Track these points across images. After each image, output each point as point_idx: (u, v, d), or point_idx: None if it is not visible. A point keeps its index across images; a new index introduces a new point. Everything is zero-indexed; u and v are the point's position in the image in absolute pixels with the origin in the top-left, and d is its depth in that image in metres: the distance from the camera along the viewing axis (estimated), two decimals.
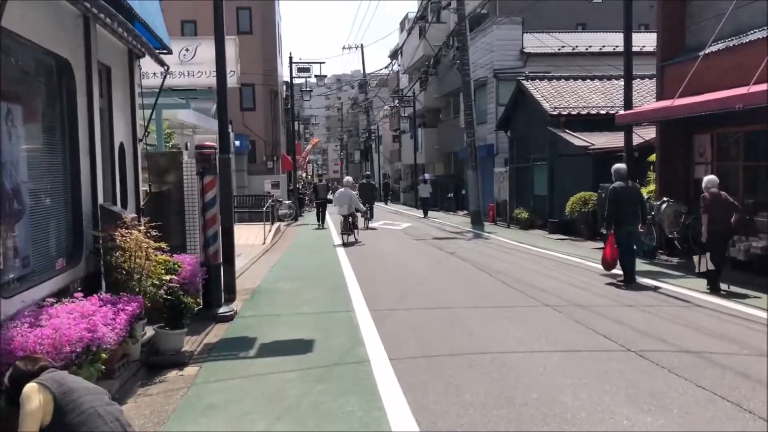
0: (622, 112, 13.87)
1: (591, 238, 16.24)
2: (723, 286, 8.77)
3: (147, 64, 12.09)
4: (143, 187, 8.19)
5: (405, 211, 33.60)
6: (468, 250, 14.53)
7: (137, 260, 5.59)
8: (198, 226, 8.08)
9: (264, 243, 17.12)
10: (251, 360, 6.16)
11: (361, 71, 55.50)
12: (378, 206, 36.67)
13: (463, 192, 31.17)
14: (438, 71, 36.93)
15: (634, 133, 14.29)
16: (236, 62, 14.26)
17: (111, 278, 5.77)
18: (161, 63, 8.70)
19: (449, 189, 33.17)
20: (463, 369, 5.53)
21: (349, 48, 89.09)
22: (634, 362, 5.61)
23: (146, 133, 7.91)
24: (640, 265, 10.60)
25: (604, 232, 10.39)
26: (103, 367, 4.34)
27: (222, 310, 7.89)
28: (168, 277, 5.91)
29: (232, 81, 13.47)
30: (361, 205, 17.96)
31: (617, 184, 9.55)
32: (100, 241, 5.88)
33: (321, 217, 23.37)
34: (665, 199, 12.57)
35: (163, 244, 5.99)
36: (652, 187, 13.76)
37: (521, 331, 6.80)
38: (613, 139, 17.08)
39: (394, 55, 49.18)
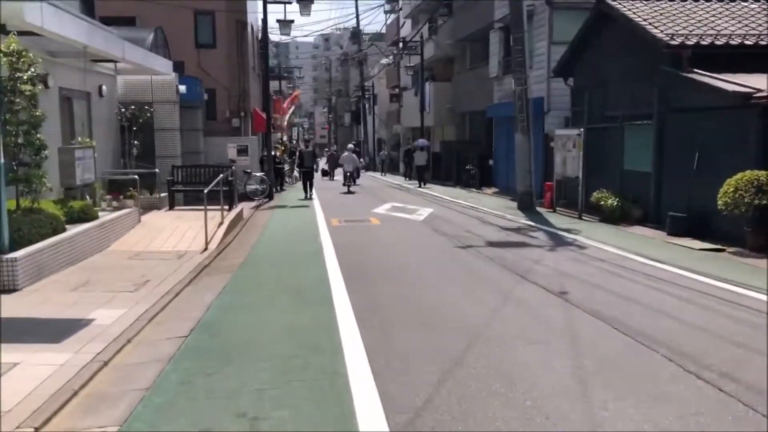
0: None
1: (764, 249, 9.55)
2: None
3: None
4: None
5: (409, 185, 26.64)
6: (579, 282, 7.63)
7: None
8: None
9: (205, 249, 10.18)
10: None
11: (354, 26, 47.94)
12: (389, 181, 29.85)
13: (490, 162, 24.28)
14: (452, 10, 29.85)
15: None
16: None
17: None
18: None
19: (467, 159, 26.02)
20: None
21: None
22: None
23: None
24: None
25: None
26: None
27: None
28: None
29: None
30: (360, 163, 25.36)
31: None
32: None
33: (308, 188, 21.21)
34: None
35: None
36: None
37: None
38: None
39: None
